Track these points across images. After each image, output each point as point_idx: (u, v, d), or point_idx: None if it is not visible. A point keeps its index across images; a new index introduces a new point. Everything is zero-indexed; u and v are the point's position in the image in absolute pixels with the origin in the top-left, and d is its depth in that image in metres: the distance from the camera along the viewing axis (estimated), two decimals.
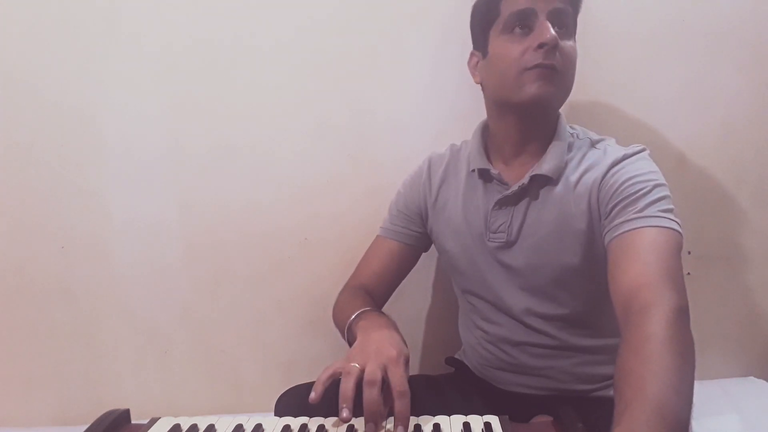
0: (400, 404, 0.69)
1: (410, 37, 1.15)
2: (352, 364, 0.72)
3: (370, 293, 1.02)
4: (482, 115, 1.00)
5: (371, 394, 0.69)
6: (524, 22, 0.85)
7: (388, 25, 1.15)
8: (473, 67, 0.97)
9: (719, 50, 1.16)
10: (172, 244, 1.21)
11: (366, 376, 0.70)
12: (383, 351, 0.74)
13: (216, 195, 1.20)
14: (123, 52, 1.13)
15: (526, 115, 0.90)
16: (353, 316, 0.89)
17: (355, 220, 1.21)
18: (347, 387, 0.69)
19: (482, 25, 0.92)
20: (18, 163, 1.17)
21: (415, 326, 1.29)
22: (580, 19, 1.14)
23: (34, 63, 1.13)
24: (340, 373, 0.72)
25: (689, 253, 1.23)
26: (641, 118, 1.18)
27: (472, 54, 0.97)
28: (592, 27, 1.14)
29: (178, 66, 1.14)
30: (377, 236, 1.09)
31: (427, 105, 1.18)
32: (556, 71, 0.85)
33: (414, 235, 1.06)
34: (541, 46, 0.83)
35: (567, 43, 0.86)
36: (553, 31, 0.83)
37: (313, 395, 0.71)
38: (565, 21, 0.86)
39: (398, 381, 0.71)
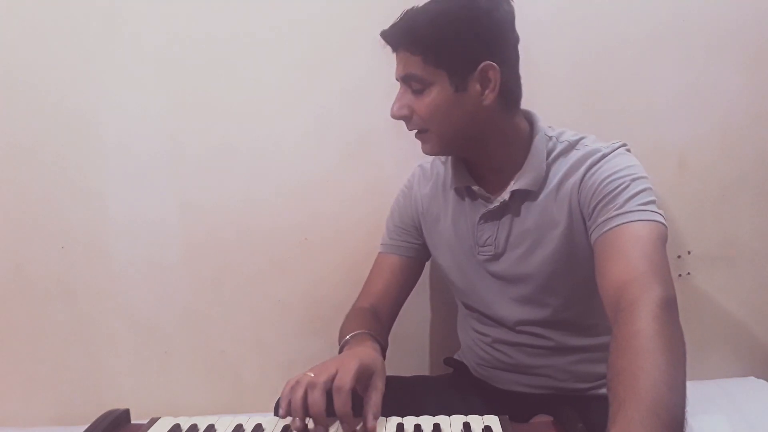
0: (335, 399, 0.70)
1: None
2: (308, 374, 0.73)
3: (376, 312, 1.01)
4: None
5: (312, 396, 0.70)
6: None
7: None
8: None
9: (719, 50, 1.16)
10: (172, 244, 1.21)
11: (310, 381, 0.71)
12: (342, 360, 0.76)
13: (216, 195, 1.20)
14: (122, 51, 1.14)
15: (452, 156, 0.96)
16: (346, 338, 0.89)
17: (355, 220, 1.21)
18: (297, 396, 0.71)
19: None
20: (18, 163, 1.17)
21: (415, 327, 1.29)
22: (580, 19, 1.14)
23: (34, 63, 1.13)
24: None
25: (689, 253, 1.23)
26: (641, 118, 1.18)
27: None
28: (592, 27, 1.15)
29: (177, 65, 1.14)
30: (378, 253, 1.08)
31: None
32: (425, 131, 0.89)
33: (414, 247, 1.06)
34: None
35: (420, 103, 0.86)
36: (394, 106, 0.88)
37: (281, 412, 0.72)
38: (417, 80, 0.85)
39: (338, 378, 0.71)
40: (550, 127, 0.94)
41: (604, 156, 0.86)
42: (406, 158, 1.13)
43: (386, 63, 1.16)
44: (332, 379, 0.71)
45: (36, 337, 1.24)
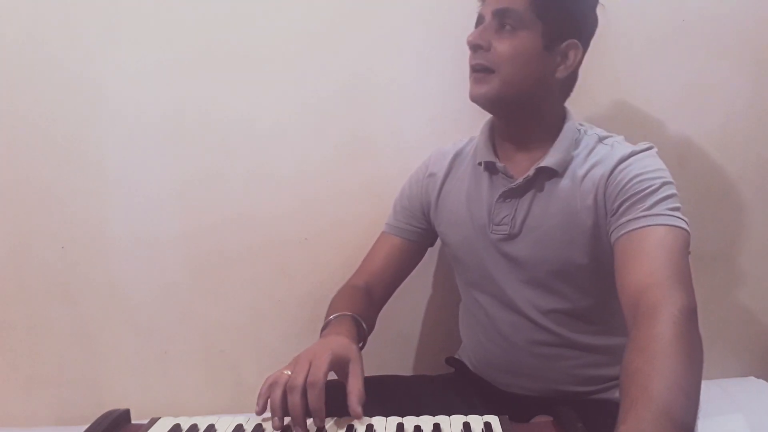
0: (310, 395, 0.70)
1: (408, 35, 1.15)
2: (285, 372, 0.73)
3: (369, 290, 1.02)
4: (479, 113, 0.99)
5: (292, 399, 0.70)
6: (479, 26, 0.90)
7: (385, 24, 1.15)
8: None
9: (719, 50, 1.16)
10: (172, 245, 1.21)
11: (289, 382, 0.71)
12: (315, 352, 0.75)
13: (216, 195, 1.20)
14: (123, 53, 1.13)
15: (493, 113, 0.94)
16: (329, 318, 0.90)
17: (354, 220, 1.21)
18: (275, 396, 0.71)
19: None
20: (18, 162, 1.17)
21: (415, 327, 1.29)
22: None
23: (34, 62, 1.13)
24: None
25: (689, 253, 1.23)
26: (641, 118, 1.18)
27: None
28: None
29: (178, 67, 1.14)
30: (382, 232, 1.09)
31: (427, 105, 1.18)
32: (489, 71, 0.87)
33: (417, 231, 1.06)
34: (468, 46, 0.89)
35: (505, 41, 0.86)
36: (475, 33, 0.87)
37: (257, 409, 0.72)
38: (509, 19, 0.85)
39: (312, 374, 0.71)
40: (579, 122, 0.95)
41: (634, 154, 0.86)
42: (406, 159, 1.13)
43: (387, 64, 1.16)
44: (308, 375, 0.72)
45: (36, 337, 1.24)
